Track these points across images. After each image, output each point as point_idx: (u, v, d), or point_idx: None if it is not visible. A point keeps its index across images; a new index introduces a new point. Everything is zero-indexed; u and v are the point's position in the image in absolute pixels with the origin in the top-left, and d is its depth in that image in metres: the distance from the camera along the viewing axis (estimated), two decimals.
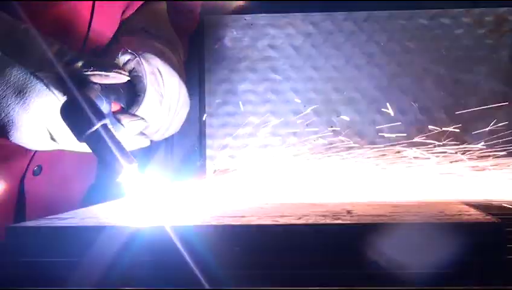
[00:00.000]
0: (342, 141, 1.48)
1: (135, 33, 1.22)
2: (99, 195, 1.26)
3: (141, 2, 1.30)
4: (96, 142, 0.90)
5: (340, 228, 0.84)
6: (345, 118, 1.49)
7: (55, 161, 1.19)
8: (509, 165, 1.33)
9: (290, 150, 1.50)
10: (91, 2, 1.15)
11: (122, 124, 0.95)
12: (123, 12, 1.27)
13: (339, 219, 0.89)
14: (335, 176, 1.39)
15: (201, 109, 1.51)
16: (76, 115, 0.89)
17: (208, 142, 1.53)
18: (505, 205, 1.13)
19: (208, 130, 1.52)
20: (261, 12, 1.52)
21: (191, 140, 1.52)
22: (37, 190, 1.19)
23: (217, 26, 1.53)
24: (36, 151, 1.15)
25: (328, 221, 0.87)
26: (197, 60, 1.51)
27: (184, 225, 0.86)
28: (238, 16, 1.53)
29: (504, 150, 1.37)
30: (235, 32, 1.52)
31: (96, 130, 0.89)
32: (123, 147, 0.92)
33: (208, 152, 1.52)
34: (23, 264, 0.81)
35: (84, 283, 0.77)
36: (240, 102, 1.52)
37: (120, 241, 0.80)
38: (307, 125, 1.50)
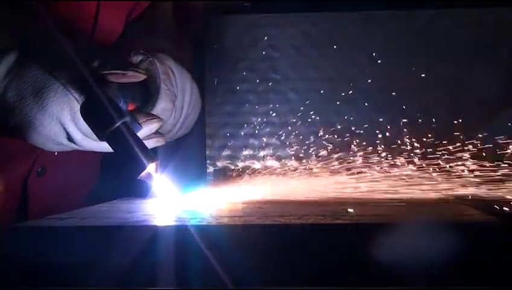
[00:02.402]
0: (342, 141, 1.48)
1: (144, 35, 1.23)
2: (101, 197, 1.27)
3: (147, 4, 1.30)
4: (117, 140, 0.90)
5: (340, 228, 0.84)
6: (345, 118, 1.49)
7: (59, 162, 1.19)
8: (509, 164, 1.33)
9: (290, 150, 1.50)
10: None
11: (139, 123, 0.95)
12: (130, 13, 1.27)
13: (338, 219, 0.90)
14: (335, 176, 1.39)
15: (202, 109, 1.51)
16: (97, 114, 0.90)
17: (208, 142, 1.53)
18: (505, 204, 1.14)
19: (208, 130, 1.52)
20: (261, 12, 1.52)
21: (191, 140, 1.52)
22: (40, 191, 1.19)
23: (217, 26, 1.53)
24: (41, 152, 1.15)
25: (328, 221, 0.87)
26: (197, 60, 1.50)
27: (184, 225, 0.86)
28: (238, 15, 1.53)
29: (504, 149, 1.37)
30: (235, 32, 1.52)
31: (118, 128, 0.89)
32: (144, 144, 0.92)
33: (208, 152, 1.52)
34: (24, 264, 0.81)
35: (85, 283, 0.78)
36: (240, 102, 1.52)
37: (121, 241, 0.80)
38: (307, 125, 1.50)
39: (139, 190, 1.25)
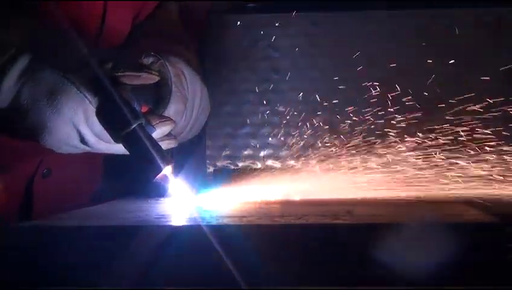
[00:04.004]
0: (342, 141, 1.48)
1: (152, 37, 1.22)
2: (104, 197, 1.27)
3: (154, 5, 1.29)
4: (133, 142, 0.90)
5: (340, 228, 0.84)
6: (345, 118, 1.49)
7: (64, 164, 1.19)
8: (508, 163, 1.33)
9: (290, 150, 1.50)
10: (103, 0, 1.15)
11: (152, 125, 0.95)
12: (137, 15, 1.26)
13: (338, 219, 0.90)
14: (335, 176, 1.39)
15: None
16: (113, 116, 0.89)
17: (208, 142, 1.53)
18: (505, 203, 1.14)
19: (208, 130, 1.52)
20: (261, 13, 1.52)
21: (191, 140, 1.52)
22: (44, 192, 1.19)
23: (217, 26, 1.53)
24: (46, 154, 1.15)
25: (328, 221, 0.87)
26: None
27: (183, 225, 0.86)
28: (239, 15, 1.53)
29: (504, 148, 1.38)
30: (235, 32, 1.52)
31: (133, 129, 0.89)
32: (159, 146, 0.92)
33: (208, 152, 1.52)
34: (24, 264, 0.81)
35: (85, 284, 0.78)
36: (240, 102, 1.52)
37: (121, 241, 0.81)
38: (307, 125, 1.50)
39: (150, 191, 1.25)
